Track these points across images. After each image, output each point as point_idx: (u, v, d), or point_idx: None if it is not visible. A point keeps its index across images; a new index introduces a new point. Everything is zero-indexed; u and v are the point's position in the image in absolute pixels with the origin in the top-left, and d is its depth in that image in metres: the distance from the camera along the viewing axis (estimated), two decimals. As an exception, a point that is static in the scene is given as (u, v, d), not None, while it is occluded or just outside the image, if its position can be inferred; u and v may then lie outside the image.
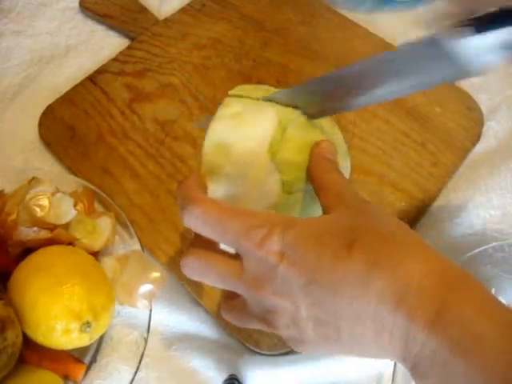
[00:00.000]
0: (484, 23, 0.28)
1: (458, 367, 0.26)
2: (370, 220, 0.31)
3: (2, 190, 0.45)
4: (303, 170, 0.36)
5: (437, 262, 0.29)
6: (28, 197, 0.43)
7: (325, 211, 0.33)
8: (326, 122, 0.39)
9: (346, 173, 0.40)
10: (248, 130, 0.37)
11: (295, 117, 0.38)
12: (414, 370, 0.28)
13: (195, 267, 0.33)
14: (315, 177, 0.35)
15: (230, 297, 0.36)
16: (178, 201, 0.33)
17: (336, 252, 0.29)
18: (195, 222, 0.32)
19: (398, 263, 0.28)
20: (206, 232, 0.32)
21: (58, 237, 0.43)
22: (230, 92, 0.39)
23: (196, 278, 0.33)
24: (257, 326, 0.33)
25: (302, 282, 0.29)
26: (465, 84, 0.56)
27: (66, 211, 0.44)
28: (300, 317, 0.30)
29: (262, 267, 0.30)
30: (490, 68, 0.27)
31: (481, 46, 0.28)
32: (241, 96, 0.39)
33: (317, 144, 0.36)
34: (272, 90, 0.40)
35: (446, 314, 0.26)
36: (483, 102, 0.55)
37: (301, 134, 0.37)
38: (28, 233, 0.42)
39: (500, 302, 0.28)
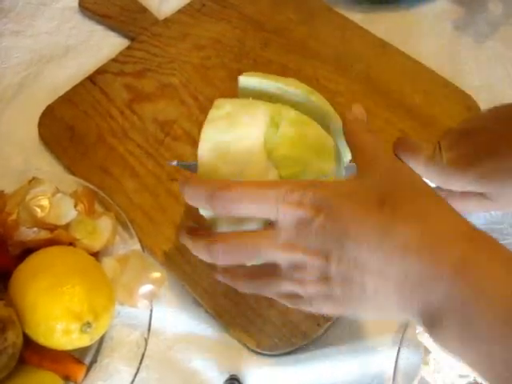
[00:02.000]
0: None
1: (477, 308, 0.27)
2: (401, 180, 0.33)
3: (2, 191, 0.45)
4: (300, 164, 0.37)
5: (459, 221, 0.31)
6: (28, 197, 0.43)
7: (360, 170, 0.35)
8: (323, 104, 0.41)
9: (346, 156, 0.42)
10: (242, 129, 0.38)
11: (286, 112, 0.39)
12: (433, 320, 0.29)
13: (226, 249, 0.35)
14: (350, 138, 0.37)
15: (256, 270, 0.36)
16: (189, 196, 0.35)
17: (368, 207, 0.31)
18: (230, 205, 0.33)
19: (424, 219, 0.30)
20: (242, 210, 0.33)
21: (58, 237, 0.43)
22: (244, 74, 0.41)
23: (229, 261, 0.35)
24: (288, 286, 0.34)
25: (336, 236, 0.31)
26: (465, 84, 0.57)
27: (67, 212, 0.44)
28: (330, 271, 0.32)
29: (298, 225, 0.32)
30: None
31: None
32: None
33: (348, 109, 0.39)
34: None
35: (470, 259, 0.28)
36: (483, 102, 0.55)
37: (294, 129, 0.38)
38: (28, 233, 0.42)
39: None
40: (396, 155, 0.39)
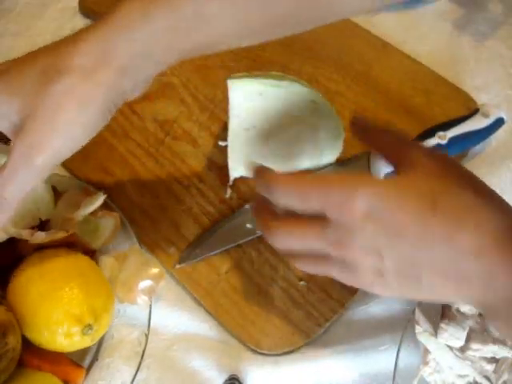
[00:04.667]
0: None
1: None
2: (448, 180, 0.33)
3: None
4: None
5: (508, 213, 0.32)
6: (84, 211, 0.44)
7: (401, 170, 0.35)
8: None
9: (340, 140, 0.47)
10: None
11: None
12: (488, 311, 0.32)
13: (279, 233, 0.35)
14: (376, 147, 0.38)
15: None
16: (257, 187, 0.36)
17: (421, 211, 0.31)
18: (283, 197, 0.34)
19: (479, 222, 0.31)
20: (293, 203, 0.34)
21: (69, 239, 0.43)
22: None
23: (281, 245, 0.35)
24: (338, 274, 0.35)
25: (389, 239, 0.32)
26: (465, 84, 0.57)
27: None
28: (384, 267, 0.32)
29: (347, 226, 0.32)
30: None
31: None
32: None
33: (352, 120, 0.39)
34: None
35: None
36: (483, 101, 0.55)
37: None
38: (42, 235, 0.42)
39: None
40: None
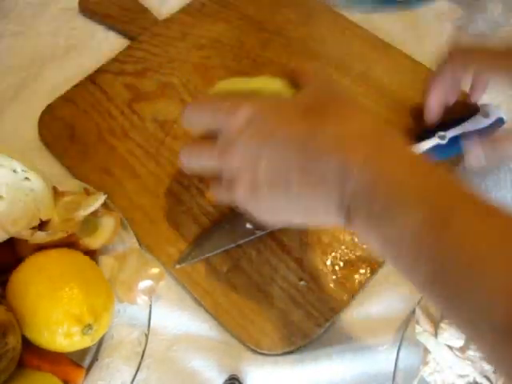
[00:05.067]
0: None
1: (376, 195, 0.31)
2: (328, 92, 0.38)
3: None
4: None
5: (372, 123, 0.35)
6: (84, 211, 0.44)
7: (299, 89, 0.39)
8: None
9: None
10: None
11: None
12: (349, 213, 0.33)
13: (185, 152, 0.41)
14: (294, 69, 0.42)
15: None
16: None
17: (292, 117, 0.35)
18: (190, 115, 0.40)
19: (342, 122, 0.34)
20: (195, 120, 0.40)
21: (69, 239, 0.43)
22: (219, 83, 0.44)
23: (188, 164, 0.41)
24: (223, 195, 0.41)
25: (262, 143, 0.35)
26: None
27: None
28: (258, 173, 0.35)
29: (232, 135, 0.36)
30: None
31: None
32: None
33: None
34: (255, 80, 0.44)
35: (384, 147, 0.33)
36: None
37: None
38: (43, 236, 0.42)
39: (418, 154, 0.36)
40: None
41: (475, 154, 0.46)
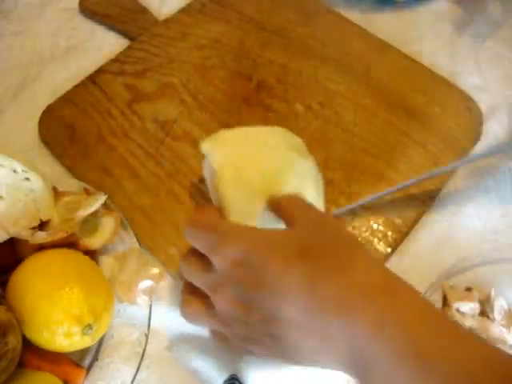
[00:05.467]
0: None
1: (400, 369, 0.27)
2: (325, 231, 0.33)
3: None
4: None
5: (378, 274, 0.31)
6: (84, 211, 0.44)
7: (287, 225, 0.35)
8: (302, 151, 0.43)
9: (320, 199, 0.42)
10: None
11: None
12: (360, 375, 0.29)
13: (183, 266, 0.37)
14: (272, 203, 0.37)
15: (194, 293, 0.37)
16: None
17: (287, 259, 0.31)
18: (188, 236, 0.36)
19: (343, 272, 0.30)
20: (191, 241, 0.36)
21: (69, 239, 0.43)
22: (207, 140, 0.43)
23: (183, 277, 0.37)
24: (216, 325, 0.35)
25: (254, 288, 0.31)
26: (465, 84, 0.57)
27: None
28: (251, 322, 0.32)
29: (222, 272, 0.33)
30: None
31: None
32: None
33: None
34: (252, 129, 0.43)
35: (387, 318, 0.28)
36: (483, 102, 0.55)
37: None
38: (43, 236, 0.42)
39: (434, 307, 0.30)
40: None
41: None
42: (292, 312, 0.30)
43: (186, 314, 0.37)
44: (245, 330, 0.33)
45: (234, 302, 0.32)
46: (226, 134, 0.44)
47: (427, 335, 0.27)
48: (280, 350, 0.32)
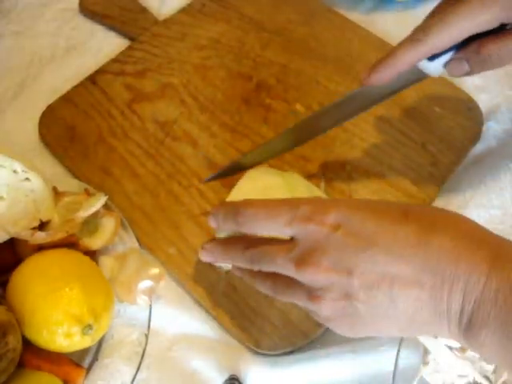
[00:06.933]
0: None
1: None
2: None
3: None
4: None
5: (481, 226, 0.32)
6: (85, 212, 0.44)
7: None
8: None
9: None
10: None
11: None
12: (471, 322, 0.29)
13: (248, 255, 0.35)
14: None
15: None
16: (221, 218, 0.36)
17: (394, 219, 0.31)
18: (251, 220, 0.34)
19: (452, 226, 0.31)
20: (260, 224, 0.34)
21: (69, 239, 0.43)
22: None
23: (250, 265, 0.36)
24: (299, 301, 0.34)
25: (360, 249, 0.31)
26: (465, 84, 0.56)
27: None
28: (352, 286, 0.31)
29: (315, 240, 0.32)
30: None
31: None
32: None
33: None
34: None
35: (503, 256, 0.29)
36: (483, 101, 0.55)
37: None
38: (43, 236, 0.42)
39: None
40: None
41: (458, 61, 0.40)
42: (407, 269, 0.30)
43: (268, 290, 0.37)
44: (338, 296, 0.32)
45: (330, 269, 0.31)
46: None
47: None
48: (377, 319, 0.32)
